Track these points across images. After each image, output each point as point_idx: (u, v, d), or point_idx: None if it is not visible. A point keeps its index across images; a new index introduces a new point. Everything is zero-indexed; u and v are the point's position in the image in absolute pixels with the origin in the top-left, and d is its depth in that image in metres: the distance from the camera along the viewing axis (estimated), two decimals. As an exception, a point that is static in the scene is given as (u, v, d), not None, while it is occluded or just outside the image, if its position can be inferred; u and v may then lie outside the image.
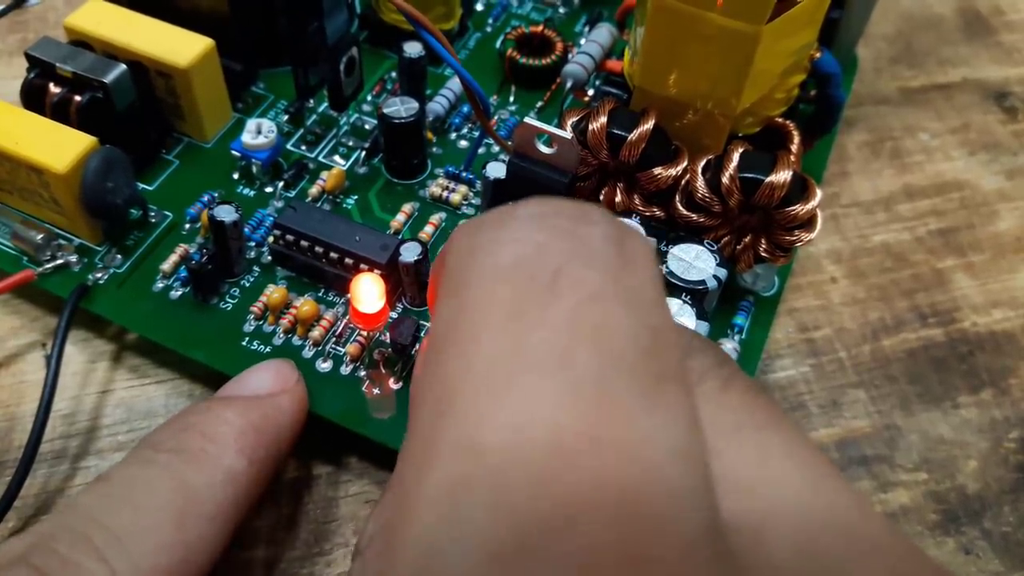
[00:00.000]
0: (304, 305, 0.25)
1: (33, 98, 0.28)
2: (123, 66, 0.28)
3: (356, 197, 0.29)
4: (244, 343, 0.25)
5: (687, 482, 0.11)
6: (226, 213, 0.25)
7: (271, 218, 0.28)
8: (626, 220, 0.25)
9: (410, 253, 0.25)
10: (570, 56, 0.33)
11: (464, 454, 0.11)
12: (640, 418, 0.11)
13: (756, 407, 0.13)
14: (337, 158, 0.30)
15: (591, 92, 0.32)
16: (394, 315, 0.26)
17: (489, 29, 0.36)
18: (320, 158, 0.30)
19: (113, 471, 0.20)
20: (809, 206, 0.24)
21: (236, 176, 0.30)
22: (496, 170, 0.26)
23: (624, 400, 0.11)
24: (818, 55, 0.26)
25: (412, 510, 0.11)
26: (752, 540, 0.11)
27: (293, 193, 0.29)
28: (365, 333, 0.25)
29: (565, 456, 0.10)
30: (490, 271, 0.13)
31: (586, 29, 0.36)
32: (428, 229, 0.28)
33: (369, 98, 0.33)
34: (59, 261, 0.27)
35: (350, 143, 0.31)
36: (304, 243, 0.26)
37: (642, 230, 0.25)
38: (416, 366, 0.19)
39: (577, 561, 0.10)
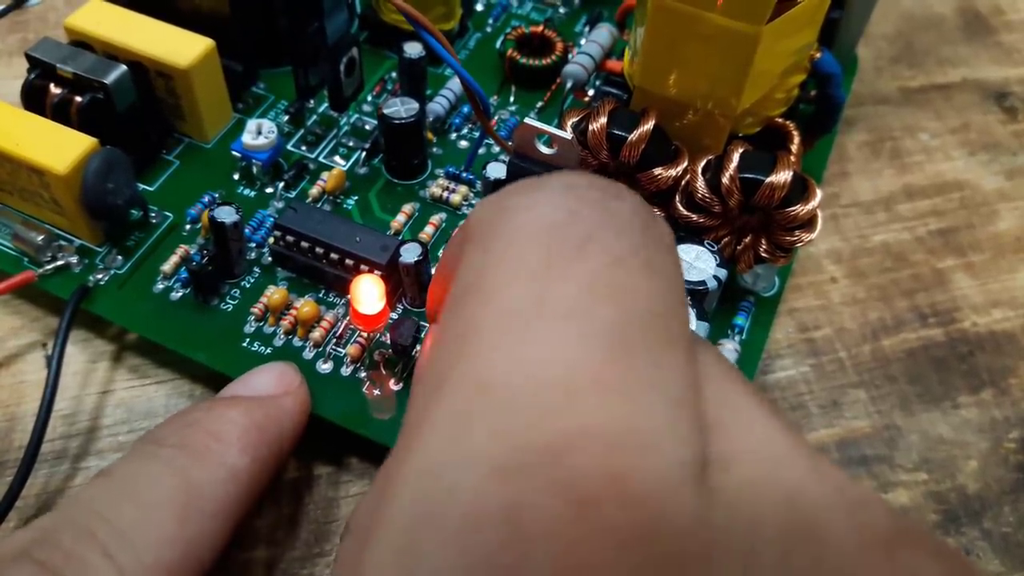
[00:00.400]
0: (304, 306, 0.25)
1: (34, 99, 0.28)
2: (123, 67, 0.28)
3: (356, 198, 0.29)
4: (245, 344, 0.25)
5: (677, 423, 0.11)
6: (226, 214, 0.25)
7: (271, 219, 0.28)
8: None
9: (410, 254, 0.25)
10: (570, 56, 0.33)
11: (474, 388, 0.12)
12: (645, 370, 0.12)
13: (738, 383, 0.14)
14: (337, 159, 0.30)
15: (591, 92, 0.32)
16: (394, 316, 0.26)
17: (489, 29, 0.36)
18: (320, 159, 0.30)
19: (115, 466, 0.20)
20: (809, 206, 0.24)
21: (236, 177, 0.30)
22: (496, 171, 0.26)
23: (633, 354, 0.12)
24: (818, 55, 0.26)
25: (417, 439, 0.12)
26: (722, 468, 0.12)
27: (293, 194, 0.29)
28: (365, 334, 0.25)
29: (569, 395, 0.11)
30: (522, 229, 0.13)
31: (586, 29, 0.36)
32: (428, 230, 0.28)
33: (369, 98, 0.33)
34: (60, 262, 0.27)
35: (350, 144, 0.31)
36: (304, 244, 0.26)
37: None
38: (422, 351, 0.19)
39: (566, 482, 0.10)
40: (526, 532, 0.10)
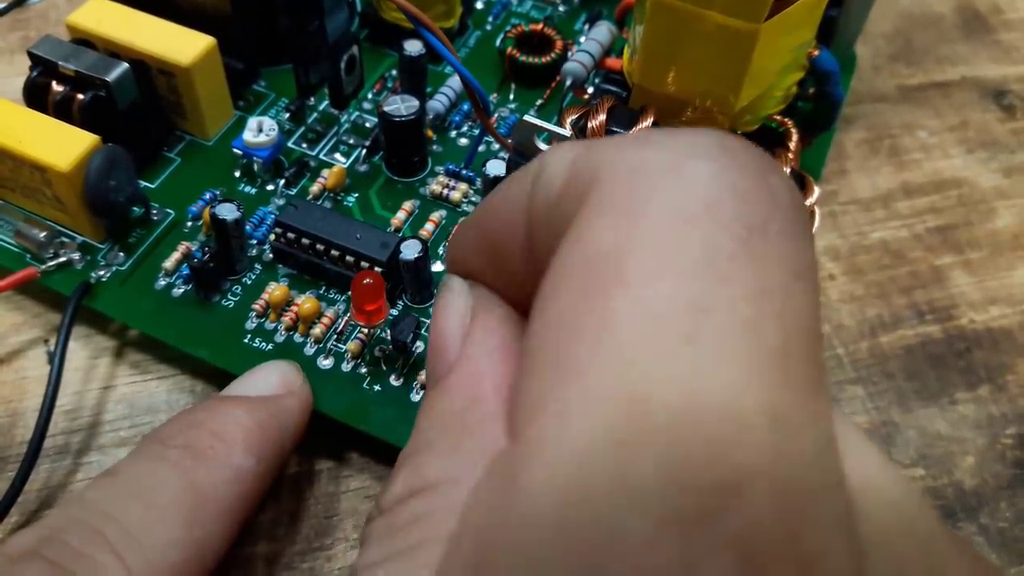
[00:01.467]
0: (305, 303, 0.26)
1: (36, 96, 0.28)
2: (125, 64, 0.28)
3: (357, 195, 0.29)
4: (246, 340, 0.25)
5: (835, 466, 0.11)
6: (228, 211, 0.25)
7: (272, 216, 0.28)
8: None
9: (410, 251, 0.25)
10: (570, 54, 0.33)
11: (629, 405, 0.10)
12: (809, 402, 0.11)
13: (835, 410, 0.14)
14: (338, 156, 0.31)
15: (590, 90, 0.32)
16: (395, 313, 0.26)
17: (489, 27, 0.36)
18: (321, 156, 0.31)
19: (121, 466, 0.20)
20: (807, 203, 0.24)
21: (238, 174, 0.30)
22: (496, 168, 0.27)
23: (798, 382, 0.10)
24: (816, 53, 0.26)
25: (552, 452, 0.10)
26: (863, 518, 0.11)
27: (294, 191, 0.29)
28: (366, 330, 0.25)
29: (738, 427, 0.10)
30: (679, 205, 0.11)
31: (586, 27, 0.36)
32: (428, 227, 0.28)
33: (370, 96, 0.33)
34: (62, 259, 0.27)
35: (351, 141, 0.31)
36: (305, 241, 0.26)
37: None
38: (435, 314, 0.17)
39: (739, 535, 0.09)
40: None
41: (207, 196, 0.29)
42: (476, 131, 0.31)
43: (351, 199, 0.29)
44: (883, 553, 0.11)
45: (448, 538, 0.12)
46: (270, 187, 0.29)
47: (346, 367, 0.25)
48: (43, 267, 0.27)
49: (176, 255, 0.27)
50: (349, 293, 0.26)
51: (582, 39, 0.34)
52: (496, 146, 0.31)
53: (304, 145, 0.31)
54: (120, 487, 0.19)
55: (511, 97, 0.33)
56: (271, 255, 0.27)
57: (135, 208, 0.28)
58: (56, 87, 0.28)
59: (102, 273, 0.27)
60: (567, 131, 0.24)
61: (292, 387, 0.23)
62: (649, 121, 0.24)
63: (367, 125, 0.32)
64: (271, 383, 0.23)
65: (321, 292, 0.27)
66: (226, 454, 0.20)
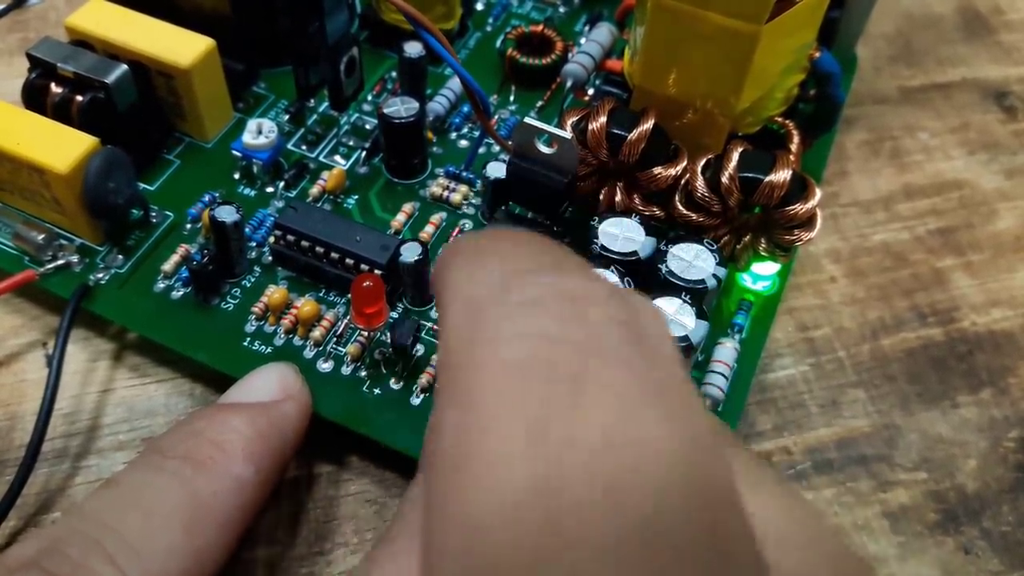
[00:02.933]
0: (305, 305, 0.25)
1: (34, 98, 0.28)
2: (124, 66, 0.28)
3: (357, 197, 0.29)
4: (245, 343, 0.25)
5: (736, 487, 0.11)
6: (227, 213, 0.25)
7: (272, 218, 0.28)
8: (626, 221, 0.25)
9: (410, 253, 0.25)
10: (570, 56, 0.33)
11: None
12: (701, 431, 0.11)
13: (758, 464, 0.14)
14: (338, 158, 0.30)
15: (591, 92, 0.32)
16: (394, 315, 0.26)
17: (489, 28, 0.36)
18: (321, 158, 0.30)
19: (121, 476, 0.20)
20: (808, 205, 0.24)
21: (237, 176, 0.30)
22: (496, 170, 0.27)
23: (679, 411, 0.11)
24: (817, 54, 0.26)
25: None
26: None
27: (294, 193, 0.29)
28: (366, 333, 0.25)
29: (651, 459, 0.10)
30: (498, 373, 0.11)
31: (586, 28, 0.36)
32: (428, 229, 0.28)
33: (369, 98, 0.33)
34: (60, 261, 0.27)
35: (350, 143, 0.31)
36: (305, 243, 0.26)
37: (642, 230, 0.25)
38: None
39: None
40: None
41: (206, 198, 0.29)
42: (476, 133, 0.31)
43: (351, 201, 0.29)
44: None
45: None
46: (269, 189, 0.29)
47: (346, 370, 0.25)
48: (41, 269, 0.27)
49: (175, 257, 0.27)
50: (349, 296, 0.25)
51: (582, 40, 0.34)
52: (496, 148, 0.31)
53: (304, 147, 0.31)
54: (119, 497, 0.19)
55: (511, 99, 0.33)
56: (270, 258, 0.27)
57: (134, 210, 0.28)
58: (55, 89, 0.28)
59: (101, 276, 0.27)
60: (568, 133, 0.24)
61: (291, 391, 0.23)
62: (650, 123, 0.24)
63: (367, 127, 0.31)
64: (270, 387, 0.23)
65: (321, 295, 0.27)
66: (226, 464, 0.20)
